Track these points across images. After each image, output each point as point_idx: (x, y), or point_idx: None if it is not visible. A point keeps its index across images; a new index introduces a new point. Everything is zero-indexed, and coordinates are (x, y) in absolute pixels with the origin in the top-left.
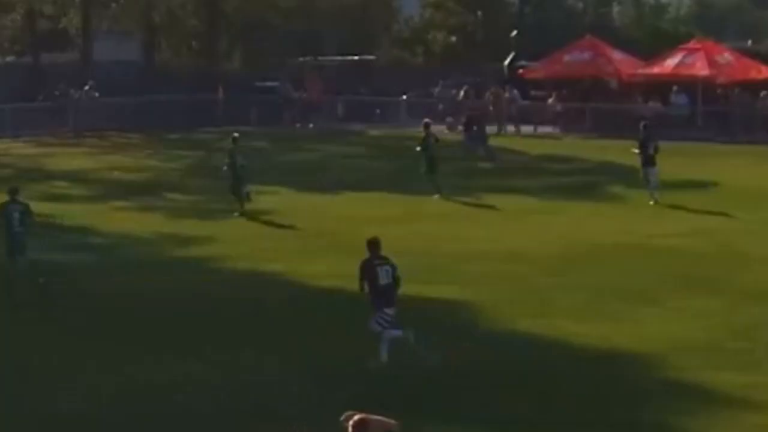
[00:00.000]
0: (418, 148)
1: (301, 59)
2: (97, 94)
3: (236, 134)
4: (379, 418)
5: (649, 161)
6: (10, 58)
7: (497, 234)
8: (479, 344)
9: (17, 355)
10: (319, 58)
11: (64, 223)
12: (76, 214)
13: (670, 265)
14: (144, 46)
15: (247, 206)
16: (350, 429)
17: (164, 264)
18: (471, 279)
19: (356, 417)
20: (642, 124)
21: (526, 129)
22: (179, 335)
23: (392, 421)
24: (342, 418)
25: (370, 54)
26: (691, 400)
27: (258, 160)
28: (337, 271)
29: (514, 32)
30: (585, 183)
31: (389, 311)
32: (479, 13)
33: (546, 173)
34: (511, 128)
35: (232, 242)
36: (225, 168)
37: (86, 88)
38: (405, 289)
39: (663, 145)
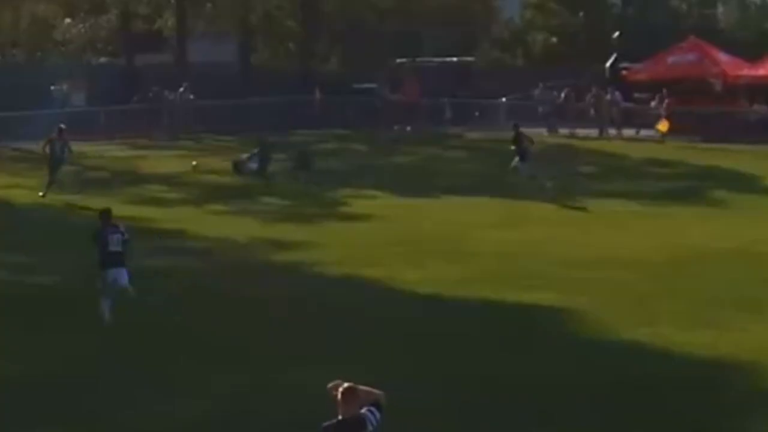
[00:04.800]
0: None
1: (399, 61)
2: (192, 96)
3: (63, 125)
4: (367, 388)
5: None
6: (103, 60)
7: (598, 239)
8: (578, 352)
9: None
10: (417, 59)
11: (159, 227)
12: (171, 217)
13: None
14: (240, 47)
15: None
16: (339, 396)
17: (259, 269)
18: (571, 285)
19: (345, 385)
20: (513, 123)
21: (628, 132)
22: (272, 341)
23: (379, 392)
24: (330, 386)
25: (468, 56)
26: None
27: (355, 163)
28: (435, 277)
29: (617, 33)
30: (687, 188)
31: (111, 272)
32: (581, 14)
33: (648, 177)
34: (612, 131)
35: (329, 247)
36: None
37: (181, 90)
38: (504, 295)
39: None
